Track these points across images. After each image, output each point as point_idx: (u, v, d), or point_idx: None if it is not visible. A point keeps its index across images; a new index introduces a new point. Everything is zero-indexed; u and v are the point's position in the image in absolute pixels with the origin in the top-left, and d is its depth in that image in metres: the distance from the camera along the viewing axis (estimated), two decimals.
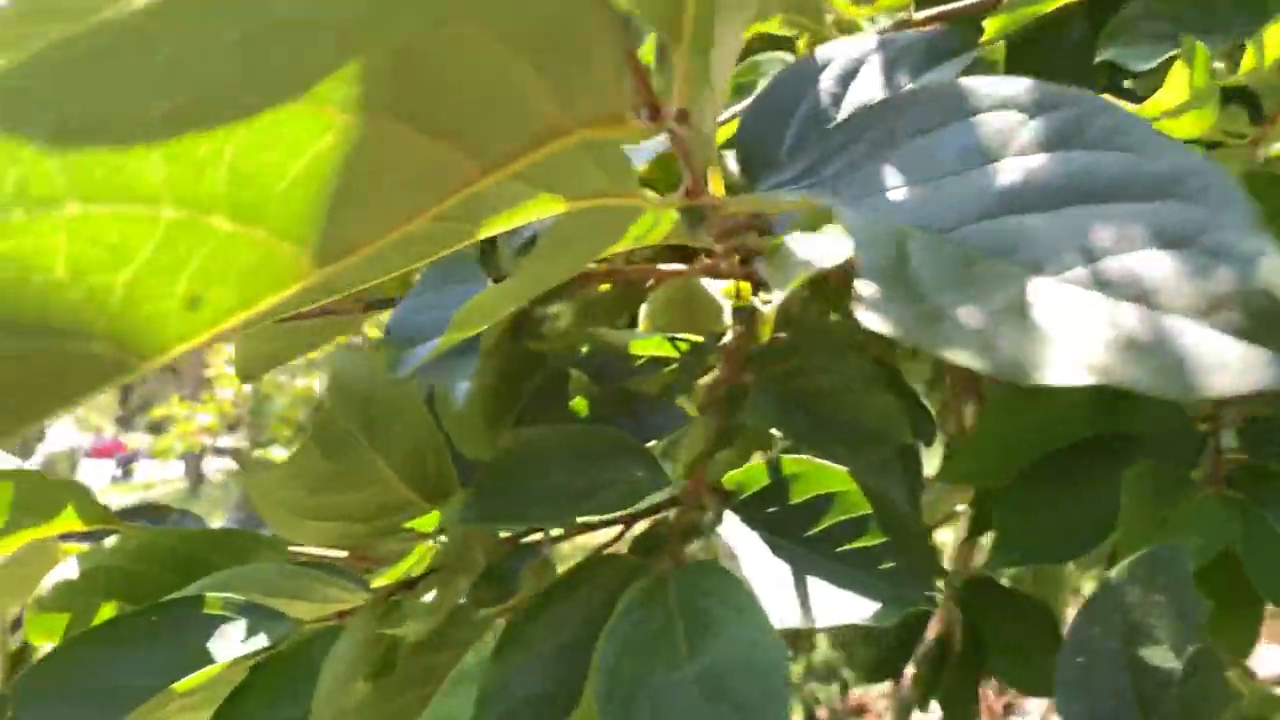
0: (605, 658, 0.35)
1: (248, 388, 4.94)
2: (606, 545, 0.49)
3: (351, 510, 0.37)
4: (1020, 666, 0.61)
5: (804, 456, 0.39)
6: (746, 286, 0.48)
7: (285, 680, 0.35)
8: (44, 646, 0.43)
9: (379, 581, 0.44)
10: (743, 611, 0.35)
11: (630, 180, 0.23)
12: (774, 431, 0.44)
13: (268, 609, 0.38)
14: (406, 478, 0.38)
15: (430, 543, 0.46)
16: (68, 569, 0.40)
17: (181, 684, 0.34)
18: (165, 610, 0.37)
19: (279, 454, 4.73)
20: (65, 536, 0.47)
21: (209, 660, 0.36)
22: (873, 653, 0.65)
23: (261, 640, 0.37)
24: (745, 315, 0.47)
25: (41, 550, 0.47)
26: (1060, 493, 0.52)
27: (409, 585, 0.42)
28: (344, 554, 0.48)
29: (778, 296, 0.44)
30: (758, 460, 0.40)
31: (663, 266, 0.45)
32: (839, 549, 0.38)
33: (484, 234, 0.23)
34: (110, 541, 0.41)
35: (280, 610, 0.38)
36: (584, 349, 0.48)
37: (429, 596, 0.43)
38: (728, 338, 0.47)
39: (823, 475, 0.39)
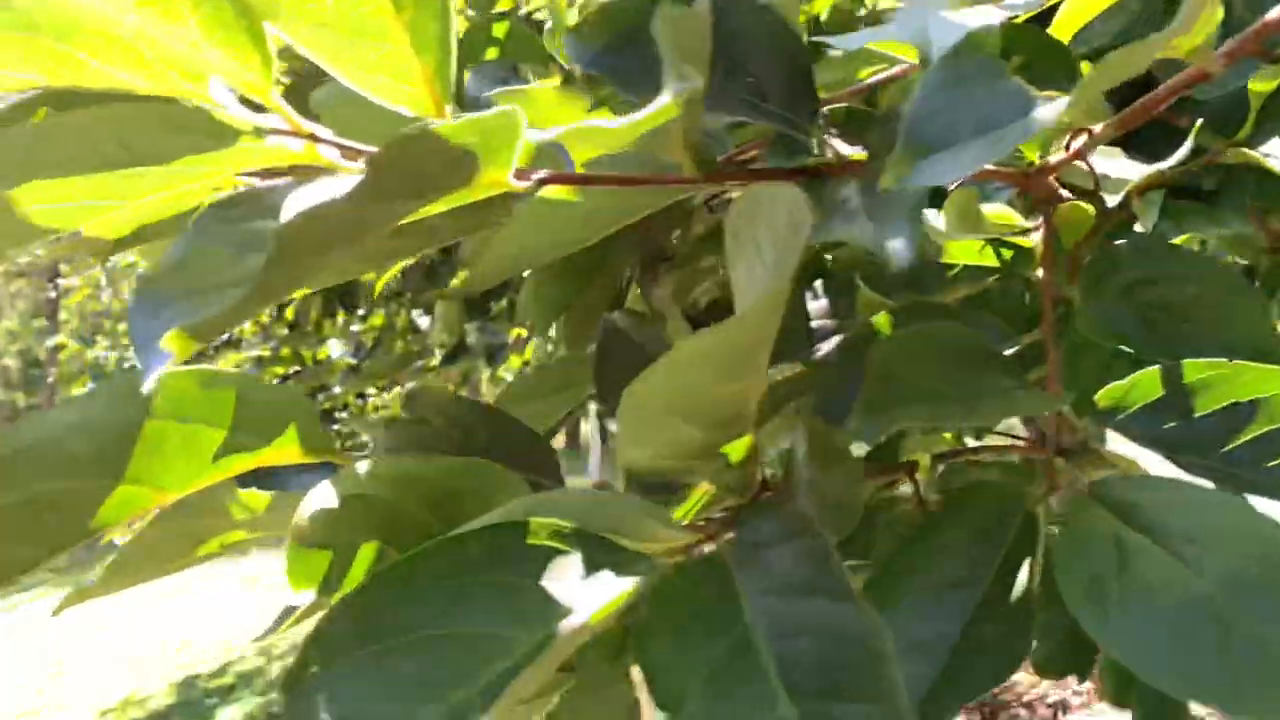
0: (1068, 590, 0.29)
1: None
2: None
3: (718, 411, 0.30)
4: None
5: (1217, 360, 0.34)
6: (1006, 215, 0.43)
7: (686, 622, 0.27)
8: None
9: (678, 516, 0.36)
10: (1231, 509, 0.29)
11: None
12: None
13: (607, 542, 0.30)
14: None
15: (705, 485, 0.39)
16: (324, 496, 0.30)
17: (597, 613, 0.25)
18: (483, 540, 0.29)
19: None
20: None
21: (550, 600, 0.28)
22: (1049, 645, 0.59)
23: (608, 578, 0.29)
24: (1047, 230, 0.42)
25: (211, 498, 0.37)
26: None
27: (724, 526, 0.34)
28: None
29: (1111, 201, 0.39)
30: (1148, 371, 0.35)
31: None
32: (1272, 464, 0.33)
33: None
34: (364, 466, 0.32)
35: (621, 545, 0.30)
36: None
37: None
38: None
39: (1244, 379, 0.33)
